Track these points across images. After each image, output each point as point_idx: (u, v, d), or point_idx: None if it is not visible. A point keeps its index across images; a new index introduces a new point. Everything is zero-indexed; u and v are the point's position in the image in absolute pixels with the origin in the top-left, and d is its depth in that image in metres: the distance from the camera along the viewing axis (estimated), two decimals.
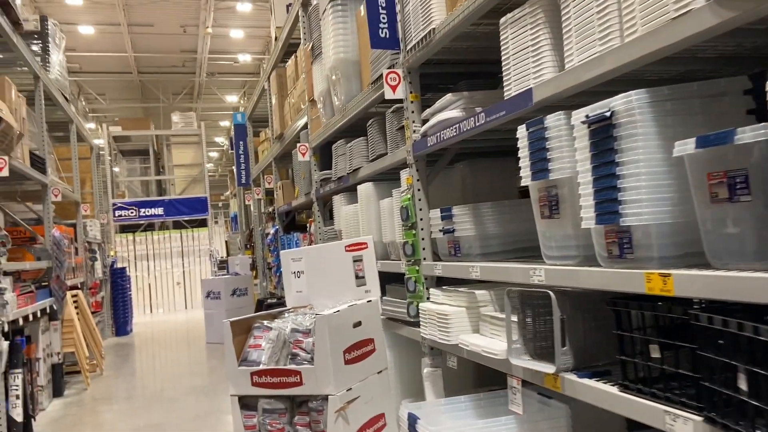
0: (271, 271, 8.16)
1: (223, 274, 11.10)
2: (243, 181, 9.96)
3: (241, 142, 10.01)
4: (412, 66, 3.06)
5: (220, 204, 25.34)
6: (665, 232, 1.59)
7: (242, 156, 9.99)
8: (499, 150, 3.50)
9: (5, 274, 4.55)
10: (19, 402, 4.54)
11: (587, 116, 1.73)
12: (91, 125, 18.21)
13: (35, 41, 6.86)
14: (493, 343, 2.41)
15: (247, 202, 10.72)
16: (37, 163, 5.94)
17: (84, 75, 17.78)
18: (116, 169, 16.26)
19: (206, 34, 15.57)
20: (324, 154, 5.07)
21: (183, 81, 19.47)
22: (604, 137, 1.68)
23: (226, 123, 21.04)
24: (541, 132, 1.96)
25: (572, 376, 1.92)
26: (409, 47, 3.02)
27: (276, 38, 7.00)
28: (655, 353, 1.65)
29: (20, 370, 4.61)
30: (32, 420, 4.99)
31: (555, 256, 2.05)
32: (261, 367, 2.65)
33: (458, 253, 2.79)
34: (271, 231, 8.04)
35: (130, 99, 19.94)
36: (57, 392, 6.13)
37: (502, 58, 2.25)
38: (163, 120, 18.43)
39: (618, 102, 1.63)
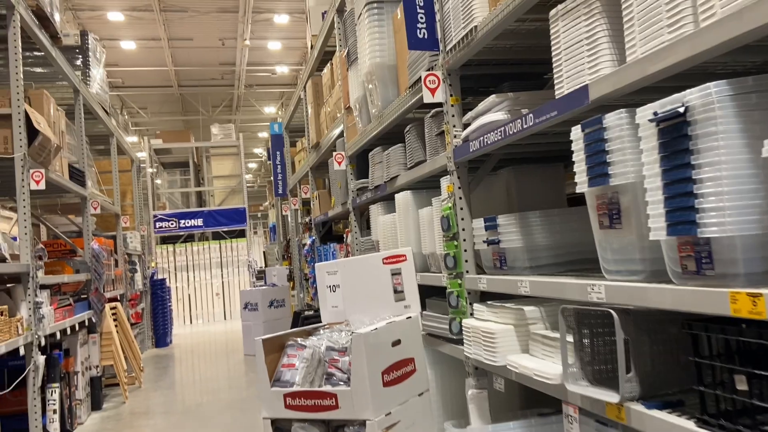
0: (308, 282, 8.06)
1: (261, 285, 11.06)
2: (280, 191, 9.92)
3: (278, 153, 9.98)
4: (452, 67, 2.89)
5: (259, 214, 25.54)
6: (753, 244, 1.38)
7: (279, 166, 9.95)
8: (546, 155, 3.30)
9: (42, 287, 4.54)
10: (57, 416, 4.50)
11: (655, 113, 1.53)
12: (134, 138, 18.58)
13: (76, 56, 6.94)
14: (545, 365, 2.20)
15: (284, 213, 10.67)
16: (76, 175, 5.97)
17: (126, 89, 18.18)
18: (158, 182, 16.52)
19: (244, 47, 15.72)
20: (360, 163, 4.93)
21: (222, 93, 19.73)
22: (676, 136, 1.47)
23: (264, 134, 21.22)
24: (599, 133, 1.77)
25: (639, 407, 1.71)
26: (448, 47, 2.85)
27: (312, 46, 6.93)
28: (742, 385, 1.43)
29: (57, 384, 4.58)
30: None
31: (616, 271, 1.84)
32: (295, 388, 2.50)
33: (504, 265, 2.59)
34: (308, 241, 7.94)
35: (170, 112, 20.31)
36: (95, 405, 6.12)
37: (553, 54, 2.06)
38: (203, 132, 18.69)
39: (693, 96, 1.42)
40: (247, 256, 15.76)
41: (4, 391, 3.77)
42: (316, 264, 3.26)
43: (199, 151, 17.63)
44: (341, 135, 5.37)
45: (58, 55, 5.48)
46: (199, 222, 15.29)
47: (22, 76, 4.34)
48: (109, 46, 13.93)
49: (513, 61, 3.05)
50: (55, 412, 4.50)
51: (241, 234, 15.97)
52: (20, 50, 4.36)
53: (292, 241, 9.86)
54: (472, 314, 2.85)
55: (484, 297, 2.85)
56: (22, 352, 4.05)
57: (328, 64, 5.99)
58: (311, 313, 7.10)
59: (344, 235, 6.09)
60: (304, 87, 7.29)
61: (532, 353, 2.39)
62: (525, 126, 2.17)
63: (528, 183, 3.09)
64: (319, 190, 7.26)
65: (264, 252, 17.04)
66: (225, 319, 15.57)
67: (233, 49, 16.32)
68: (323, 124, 6.41)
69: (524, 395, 3.12)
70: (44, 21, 5.00)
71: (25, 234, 4.28)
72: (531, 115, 2.14)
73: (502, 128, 2.35)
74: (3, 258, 3.87)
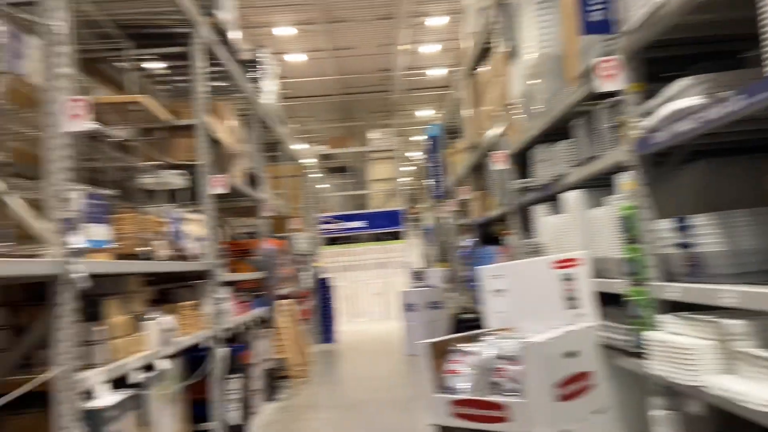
0: (465, 284, 7.94)
1: (419, 287, 11.16)
2: (437, 193, 9.93)
3: (435, 155, 10.01)
4: (632, 51, 2.61)
5: (416, 216, 25.91)
6: None
7: (436, 168, 9.96)
8: (738, 147, 2.86)
9: (224, 284, 4.90)
10: (236, 406, 4.84)
11: None
12: (302, 145, 19.77)
13: (251, 70, 7.47)
14: (756, 389, 1.88)
15: (441, 215, 10.67)
16: (252, 181, 6.42)
17: (295, 100, 19.39)
18: (327, 185, 17.44)
19: (402, 52, 16.03)
20: (519, 162, 4.73)
21: (380, 99, 20.30)
22: None
23: (420, 137, 21.49)
24: None
25: None
26: (628, 28, 2.58)
27: (470, 44, 6.81)
28: None
29: (237, 375, 4.92)
30: (247, 423, 5.32)
31: None
32: (462, 396, 2.41)
33: (698, 272, 2.27)
34: (466, 243, 7.83)
35: (334, 119, 21.32)
36: (269, 397, 6.51)
37: (763, 23, 1.75)
38: (363, 137, 19.38)
39: None
40: (404, 257, 16.04)
41: (188, 381, 4.11)
42: (480, 268, 3.15)
43: (359, 156, 18.32)
44: (500, 134, 5.19)
45: (236, 69, 5.92)
46: (361, 224, 15.87)
47: (205, 90, 4.73)
48: (280, 60, 14.91)
49: (699, 40, 2.69)
50: (234, 401, 4.84)
51: (399, 235, 16.30)
52: (203, 66, 4.75)
53: (449, 243, 9.82)
54: (656, 326, 2.54)
55: (670, 307, 2.53)
56: (206, 344, 4.40)
57: (487, 62, 5.84)
58: (470, 316, 6.97)
59: (501, 237, 5.88)
60: (462, 87, 7.20)
61: (737, 374, 2.06)
62: (732, 110, 1.87)
63: (724, 178, 2.70)
64: (477, 191, 7.11)
65: (421, 253, 17.23)
66: (385, 318, 15.96)
67: (391, 54, 16.70)
68: (481, 123, 6.26)
69: (720, 419, 2.73)
70: (222, 37, 5.42)
71: (209, 235, 4.65)
72: (741, 97, 1.83)
73: (700, 115, 2.06)
74: (192, 257, 4.23)
